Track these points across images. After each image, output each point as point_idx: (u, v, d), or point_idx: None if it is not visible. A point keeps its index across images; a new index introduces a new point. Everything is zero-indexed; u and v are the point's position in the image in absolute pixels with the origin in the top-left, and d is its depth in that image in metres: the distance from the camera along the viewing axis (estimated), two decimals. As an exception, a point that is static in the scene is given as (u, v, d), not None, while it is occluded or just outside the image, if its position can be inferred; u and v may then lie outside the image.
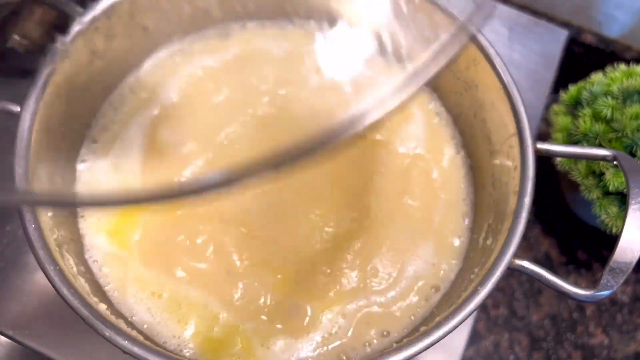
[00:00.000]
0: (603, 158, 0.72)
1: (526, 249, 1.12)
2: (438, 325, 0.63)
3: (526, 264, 0.67)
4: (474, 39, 0.77)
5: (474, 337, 1.06)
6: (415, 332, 0.71)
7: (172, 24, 0.87)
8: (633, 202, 0.65)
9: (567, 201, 1.14)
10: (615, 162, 0.71)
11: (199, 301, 0.76)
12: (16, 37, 1.03)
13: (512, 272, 1.10)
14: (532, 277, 0.67)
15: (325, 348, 0.75)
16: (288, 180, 0.82)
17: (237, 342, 0.74)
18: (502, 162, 0.77)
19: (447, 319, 0.64)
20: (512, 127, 0.74)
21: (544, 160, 1.05)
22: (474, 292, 0.65)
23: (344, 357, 0.74)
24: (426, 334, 0.63)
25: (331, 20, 0.88)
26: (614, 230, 0.96)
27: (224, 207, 0.81)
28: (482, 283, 0.65)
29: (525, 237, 1.11)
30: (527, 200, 0.69)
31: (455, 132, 0.88)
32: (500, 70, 0.76)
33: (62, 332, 0.86)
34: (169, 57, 0.90)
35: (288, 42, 0.93)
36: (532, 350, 1.07)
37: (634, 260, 0.64)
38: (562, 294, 0.66)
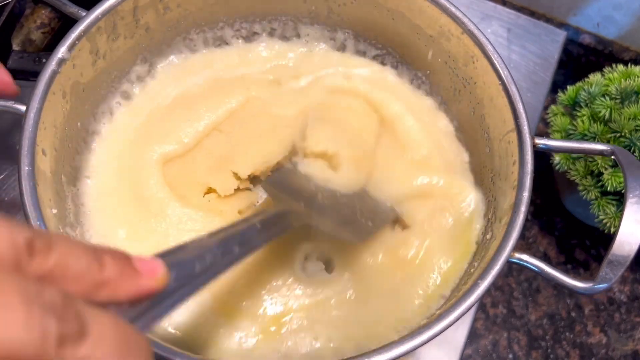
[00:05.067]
0: (601, 153, 0.73)
1: (525, 248, 1.13)
2: (439, 318, 0.64)
3: (525, 257, 0.67)
4: (473, 37, 0.78)
5: (473, 336, 1.06)
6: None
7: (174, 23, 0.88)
8: (631, 195, 0.66)
9: (565, 201, 1.15)
10: (613, 157, 0.72)
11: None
12: (21, 39, 1.03)
13: (510, 271, 1.11)
14: (532, 271, 0.68)
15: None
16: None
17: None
18: (500, 158, 0.78)
19: (447, 312, 0.64)
20: (510, 123, 0.74)
21: (542, 161, 1.06)
22: (474, 285, 0.65)
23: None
24: (427, 326, 0.63)
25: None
26: (612, 229, 0.96)
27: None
28: (481, 277, 0.65)
29: (523, 236, 1.12)
30: (526, 194, 0.69)
31: (454, 129, 0.88)
32: (498, 67, 0.76)
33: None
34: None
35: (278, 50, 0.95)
36: (530, 349, 1.07)
37: (632, 253, 0.64)
38: (561, 287, 0.66)
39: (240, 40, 0.94)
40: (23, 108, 0.71)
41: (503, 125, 0.76)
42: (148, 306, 0.42)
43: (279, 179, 0.82)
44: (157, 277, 0.42)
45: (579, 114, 1.00)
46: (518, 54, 1.13)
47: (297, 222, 0.71)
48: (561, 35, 1.15)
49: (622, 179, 0.91)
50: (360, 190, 0.83)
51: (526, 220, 0.69)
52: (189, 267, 0.49)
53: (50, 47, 1.05)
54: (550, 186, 1.16)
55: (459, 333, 0.93)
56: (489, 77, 0.78)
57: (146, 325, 0.42)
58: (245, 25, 0.93)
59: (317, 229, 0.76)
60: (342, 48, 0.95)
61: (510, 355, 1.07)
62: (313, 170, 0.82)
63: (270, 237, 0.65)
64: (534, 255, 0.67)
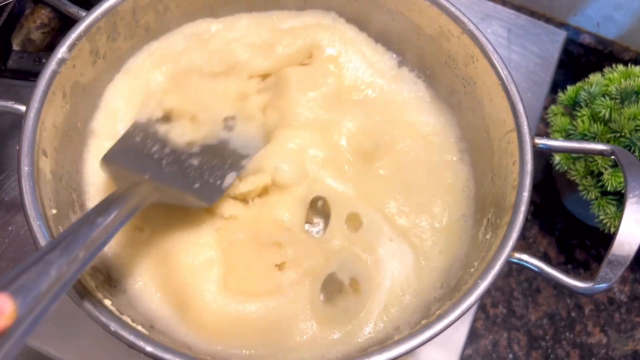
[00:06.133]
0: (601, 153, 0.73)
1: (525, 248, 1.13)
2: (439, 318, 0.64)
3: (525, 257, 0.67)
4: (473, 37, 0.78)
5: (473, 336, 1.06)
6: (416, 325, 0.72)
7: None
8: (631, 195, 0.66)
9: (565, 201, 1.14)
10: (613, 157, 0.72)
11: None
12: (21, 39, 1.03)
13: (510, 271, 1.11)
14: (532, 271, 0.68)
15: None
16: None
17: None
18: (500, 158, 0.78)
19: (447, 312, 0.64)
20: (510, 123, 0.74)
21: (542, 161, 1.05)
22: (474, 285, 0.65)
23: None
24: (427, 326, 0.63)
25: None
26: (612, 229, 0.96)
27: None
28: (481, 277, 0.66)
29: (523, 236, 1.12)
30: (526, 194, 0.70)
31: (454, 129, 0.88)
32: (498, 67, 0.76)
33: (63, 331, 0.86)
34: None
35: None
36: (530, 349, 1.07)
37: (632, 253, 0.64)
38: (561, 287, 0.66)
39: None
40: (23, 108, 0.71)
41: (503, 125, 0.76)
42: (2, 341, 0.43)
43: (117, 153, 0.78)
44: (5, 315, 0.42)
45: (579, 114, 1.00)
46: (518, 54, 1.13)
47: (144, 200, 0.69)
48: (561, 35, 1.15)
49: (622, 179, 0.91)
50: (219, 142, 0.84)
51: (526, 220, 0.69)
52: (36, 288, 0.49)
53: (50, 47, 1.05)
54: (550, 186, 1.16)
55: (459, 333, 0.93)
56: (489, 77, 0.78)
57: (6, 356, 0.43)
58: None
59: (165, 202, 0.76)
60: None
61: (510, 355, 1.07)
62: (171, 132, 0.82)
63: (118, 227, 0.63)
64: (534, 255, 0.67)
